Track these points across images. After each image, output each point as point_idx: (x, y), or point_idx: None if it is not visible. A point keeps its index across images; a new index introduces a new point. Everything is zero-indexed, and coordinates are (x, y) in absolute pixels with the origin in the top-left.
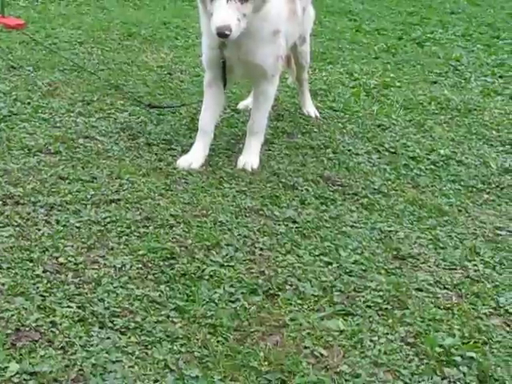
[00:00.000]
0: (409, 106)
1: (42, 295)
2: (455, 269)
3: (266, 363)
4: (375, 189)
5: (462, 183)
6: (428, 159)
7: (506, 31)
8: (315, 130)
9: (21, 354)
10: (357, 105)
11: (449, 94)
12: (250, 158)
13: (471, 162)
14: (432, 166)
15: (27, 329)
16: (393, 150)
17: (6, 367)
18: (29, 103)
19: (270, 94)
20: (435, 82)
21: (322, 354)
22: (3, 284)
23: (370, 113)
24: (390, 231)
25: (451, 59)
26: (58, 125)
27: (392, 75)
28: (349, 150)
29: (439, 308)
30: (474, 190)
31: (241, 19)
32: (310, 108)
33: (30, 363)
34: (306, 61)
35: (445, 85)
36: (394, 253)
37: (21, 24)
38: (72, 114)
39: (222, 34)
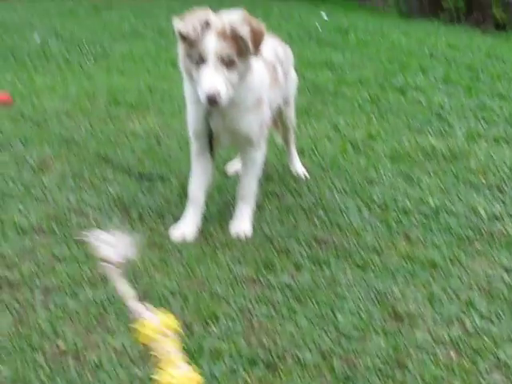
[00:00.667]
0: (395, 157)
1: (43, 383)
2: (452, 324)
3: None
4: (368, 246)
5: (454, 233)
6: (418, 211)
7: (484, 72)
8: (305, 189)
9: None
10: (344, 160)
11: (434, 141)
12: (242, 225)
13: (461, 210)
14: (423, 218)
15: None
16: (383, 205)
17: None
18: (20, 181)
19: (259, 160)
20: (420, 130)
21: None
22: (5, 377)
23: (358, 167)
24: (385, 290)
25: (434, 105)
26: (50, 202)
27: (377, 126)
28: (339, 208)
29: (439, 367)
30: (466, 239)
31: (228, 87)
32: (299, 167)
33: None
34: (290, 122)
35: (429, 132)
36: (391, 312)
37: (7, 99)
38: (63, 190)
39: (213, 100)
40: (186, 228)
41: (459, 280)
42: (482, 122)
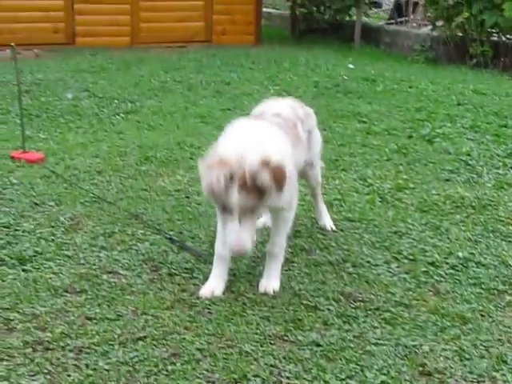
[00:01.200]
0: (424, 208)
1: None
2: (483, 381)
3: None
4: (396, 301)
5: (483, 286)
6: (447, 263)
7: None
8: (333, 244)
9: None
10: (372, 212)
11: (462, 191)
12: (270, 281)
13: (490, 262)
14: (451, 271)
15: None
16: (411, 257)
17: None
18: (52, 240)
19: (289, 219)
20: (448, 180)
21: None
22: None
23: (386, 219)
24: (414, 345)
25: (462, 154)
26: (81, 261)
27: (405, 177)
28: (368, 262)
29: None
30: (496, 292)
31: (253, 233)
32: (327, 221)
33: None
34: (316, 182)
35: (458, 181)
36: (420, 369)
37: (41, 158)
38: (95, 249)
39: (239, 253)
40: (214, 284)
41: (490, 334)
42: (510, 169)
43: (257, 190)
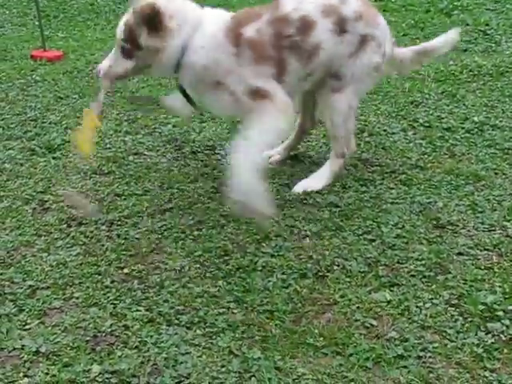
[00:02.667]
0: (440, 78)
1: (112, 303)
2: (494, 230)
3: (321, 339)
4: (412, 164)
5: (498, 147)
6: (462, 128)
7: None
8: None
9: (101, 357)
10: (389, 84)
11: (480, 60)
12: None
13: (506, 124)
14: (467, 134)
15: (103, 334)
16: (427, 124)
17: (90, 369)
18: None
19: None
20: (465, 50)
21: (372, 325)
22: (77, 297)
23: (403, 90)
24: (428, 202)
25: (480, 24)
26: (108, 146)
27: None
28: (384, 131)
29: (480, 269)
30: (510, 151)
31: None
32: None
33: (109, 363)
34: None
35: (475, 51)
36: (434, 222)
37: (60, 55)
38: (120, 134)
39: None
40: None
41: (503, 189)
42: None
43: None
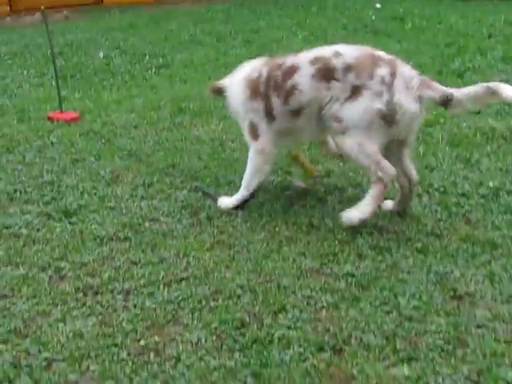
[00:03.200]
0: (454, 142)
1: (129, 377)
2: None
3: None
4: (428, 231)
5: None
6: (478, 193)
7: None
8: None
9: None
10: None
11: (493, 122)
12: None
13: None
14: (482, 200)
15: None
16: (442, 190)
17: None
18: (95, 193)
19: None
20: (479, 113)
21: None
22: (93, 371)
23: (417, 155)
24: (445, 272)
25: None
26: (124, 211)
27: (434, 112)
28: None
29: (499, 342)
30: None
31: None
32: None
33: None
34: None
35: (488, 114)
36: (451, 293)
37: (76, 117)
38: (135, 199)
39: None
40: None
41: None
42: None
43: None
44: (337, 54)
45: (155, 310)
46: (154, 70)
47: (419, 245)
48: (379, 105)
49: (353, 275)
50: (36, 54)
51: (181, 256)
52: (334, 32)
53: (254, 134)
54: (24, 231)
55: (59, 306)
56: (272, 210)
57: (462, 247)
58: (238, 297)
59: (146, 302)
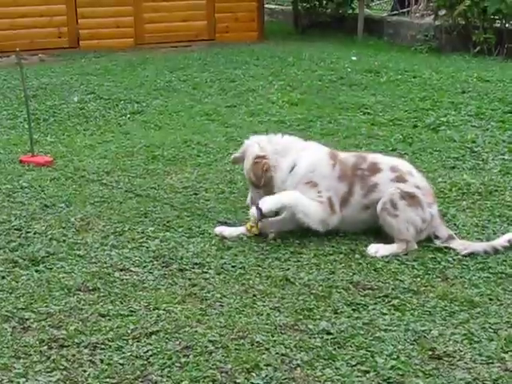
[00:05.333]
0: None
1: None
2: (492, 363)
3: None
4: (405, 288)
5: (491, 270)
6: (455, 249)
7: None
8: (341, 234)
9: None
10: None
11: (468, 177)
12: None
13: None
14: (459, 257)
15: None
16: (419, 244)
17: None
18: (64, 241)
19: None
20: (454, 167)
21: None
22: None
23: None
24: (423, 330)
25: (467, 141)
26: (93, 260)
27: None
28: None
29: None
30: (504, 275)
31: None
32: None
33: None
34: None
35: (463, 169)
36: (430, 353)
37: (49, 161)
38: (106, 248)
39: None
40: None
41: (499, 317)
42: None
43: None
44: (410, 174)
45: (123, 365)
46: (128, 115)
47: (396, 301)
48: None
49: (329, 332)
50: (9, 96)
51: (151, 308)
52: (310, 83)
53: (332, 208)
54: None
55: (21, 360)
56: (245, 262)
57: (440, 305)
58: (210, 353)
59: (113, 357)
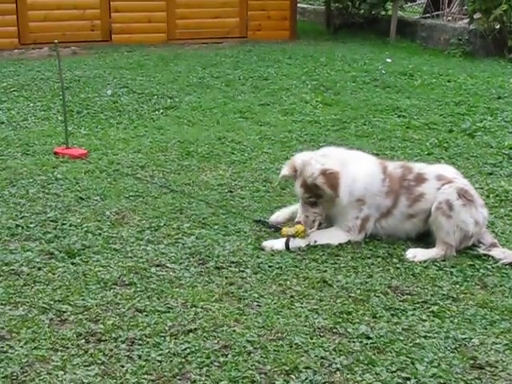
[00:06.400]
0: None
1: None
2: None
3: None
4: (444, 294)
5: None
6: (493, 257)
7: None
8: (378, 238)
9: None
10: None
11: (506, 184)
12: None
13: None
14: (498, 265)
15: None
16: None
17: None
18: (99, 234)
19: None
20: (491, 174)
21: None
22: None
23: None
24: (464, 338)
25: (504, 148)
26: (129, 255)
27: None
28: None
29: None
30: None
31: (315, 217)
32: None
33: None
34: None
35: (501, 175)
36: (471, 362)
37: (84, 153)
38: (141, 243)
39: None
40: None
41: None
42: None
43: (313, 188)
44: (456, 178)
45: (161, 362)
46: (161, 110)
47: (435, 308)
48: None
49: (368, 337)
50: (43, 88)
51: (188, 306)
52: (343, 83)
53: (360, 230)
54: (25, 269)
55: (59, 352)
56: (282, 262)
57: (480, 313)
58: (249, 353)
59: (151, 354)
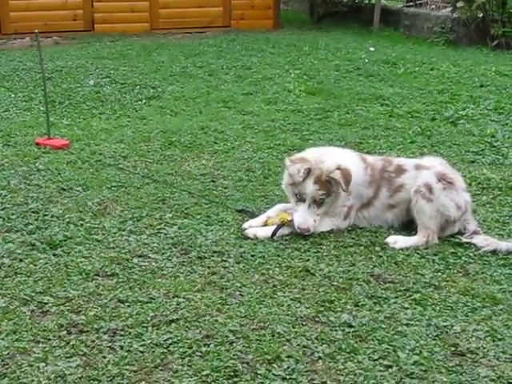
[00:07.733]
0: None
1: None
2: None
3: None
4: (426, 282)
5: None
6: (475, 245)
7: None
8: (360, 227)
9: None
10: None
11: (488, 172)
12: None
13: None
14: (480, 252)
15: None
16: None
17: None
18: (81, 225)
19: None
20: (473, 162)
21: None
22: None
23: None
24: (445, 326)
25: (486, 135)
26: (111, 245)
27: None
28: None
29: None
30: None
31: (317, 219)
32: None
33: None
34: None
35: (483, 163)
36: (453, 349)
37: (66, 144)
38: (124, 233)
39: (303, 232)
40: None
41: None
42: None
43: (327, 184)
44: (435, 165)
45: (143, 353)
46: (144, 100)
47: (417, 296)
48: None
49: (350, 325)
50: (24, 78)
51: (170, 296)
52: (327, 72)
53: (346, 217)
54: (6, 261)
55: (41, 344)
56: (265, 251)
57: (462, 300)
58: (231, 343)
59: (133, 344)
